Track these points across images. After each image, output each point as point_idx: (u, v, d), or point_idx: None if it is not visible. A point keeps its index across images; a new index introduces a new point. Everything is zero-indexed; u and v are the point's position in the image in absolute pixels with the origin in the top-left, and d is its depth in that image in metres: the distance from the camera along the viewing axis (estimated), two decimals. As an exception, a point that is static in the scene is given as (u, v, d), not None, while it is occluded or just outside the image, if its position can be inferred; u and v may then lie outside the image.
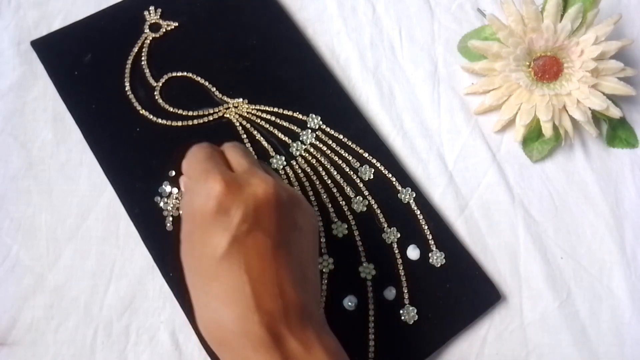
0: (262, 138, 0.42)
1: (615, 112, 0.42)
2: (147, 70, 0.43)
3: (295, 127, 0.43)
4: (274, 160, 0.41)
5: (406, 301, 0.38)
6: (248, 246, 0.28)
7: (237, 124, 0.42)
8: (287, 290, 0.28)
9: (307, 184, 0.41)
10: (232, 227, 0.28)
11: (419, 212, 0.41)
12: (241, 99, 0.43)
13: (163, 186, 0.39)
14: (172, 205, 0.39)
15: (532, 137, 0.44)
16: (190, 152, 0.33)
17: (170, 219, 0.39)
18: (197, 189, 0.30)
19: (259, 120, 0.43)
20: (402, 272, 0.39)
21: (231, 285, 0.28)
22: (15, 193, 0.39)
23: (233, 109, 0.43)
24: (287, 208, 0.30)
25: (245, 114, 0.43)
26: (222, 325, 0.28)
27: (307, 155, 0.42)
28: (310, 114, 0.43)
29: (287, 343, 0.27)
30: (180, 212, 0.34)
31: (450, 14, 0.49)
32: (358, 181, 0.41)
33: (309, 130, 0.43)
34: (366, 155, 0.42)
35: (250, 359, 0.27)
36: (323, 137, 0.43)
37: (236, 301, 0.27)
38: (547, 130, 0.42)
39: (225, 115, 0.43)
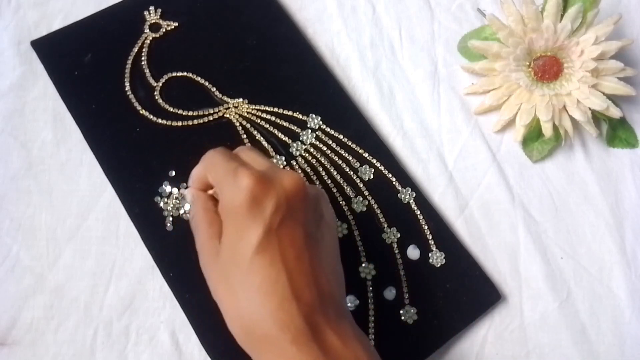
0: (262, 138, 0.42)
1: (615, 112, 0.42)
2: (147, 70, 0.43)
3: (295, 127, 0.43)
4: (274, 161, 0.41)
5: (406, 301, 0.38)
6: (282, 236, 0.28)
7: (237, 124, 0.42)
8: (321, 281, 0.28)
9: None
10: (265, 218, 0.28)
11: (419, 212, 0.41)
12: (241, 99, 0.43)
13: (163, 186, 0.39)
14: (172, 205, 0.39)
15: (532, 137, 0.44)
16: (206, 158, 0.33)
17: (170, 219, 0.39)
18: (225, 186, 0.30)
19: (259, 120, 0.43)
20: (402, 272, 0.39)
21: (268, 276, 0.27)
22: (15, 193, 0.39)
23: (233, 109, 0.43)
24: (315, 200, 0.31)
25: (245, 114, 0.43)
26: (260, 317, 0.27)
27: (307, 155, 0.42)
28: (310, 114, 0.43)
29: (325, 335, 0.27)
30: (187, 217, 0.33)
31: (450, 14, 0.49)
32: (358, 181, 0.41)
33: (309, 130, 0.43)
34: (366, 155, 0.42)
35: (288, 352, 0.27)
36: (323, 137, 0.43)
37: (274, 291, 0.27)
38: (547, 130, 0.42)
39: (225, 115, 0.43)
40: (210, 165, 0.32)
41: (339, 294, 0.30)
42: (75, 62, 0.43)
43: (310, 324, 0.27)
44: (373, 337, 0.37)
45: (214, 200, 0.32)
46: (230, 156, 0.32)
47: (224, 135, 0.42)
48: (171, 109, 0.42)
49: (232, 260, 0.29)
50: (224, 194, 0.30)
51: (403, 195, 0.41)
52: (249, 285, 0.28)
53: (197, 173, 0.33)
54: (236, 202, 0.28)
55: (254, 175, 0.29)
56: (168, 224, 0.39)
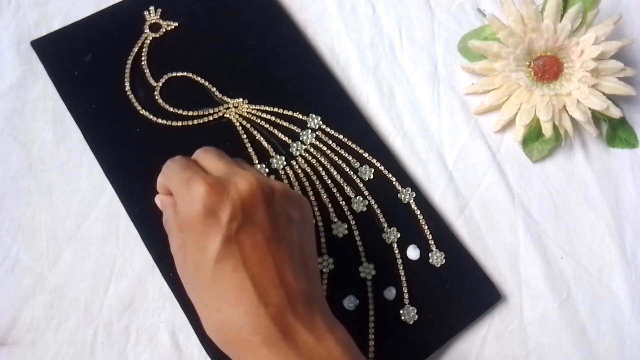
0: (262, 138, 0.42)
1: (615, 112, 0.42)
2: (147, 70, 0.43)
3: (295, 127, 0.43)
4: (274, 160, 0.41)
5: (406, 301, 0.38)
6: (242, 243, 0.28)
7: (237, 124, 0.42)
8: (288, 280, 0.28)
9: (307, 184, 0.41)
10: (222, 227, 0.28)
11: (419, 212, 0.41)
12: (241, 99, 0.43)
13: (163, 186, 0.39)
14: (172, 205, 0.39)
15: (532, 137, 0.44)
16: (165, 167, 0.32)
17: (170, 219, 0.39)
18: (180, 198, 0.30)
19: (259, 120, 0.43)
20: (402, 272, 0.39)
21: (232, 284, 0.28)
22: (15, 193, 0.39)
23: (233, 109, 0.43)
24: (275, 201, 0.30)
25: (245, 114, 0.43)
26: (231, 325, 0.28)
27: (307, 155, 0.42)
28: (310, 114, 0.43)
29: (297, 334, 0.27)
30: (165, 225, 0.34)
31: (450, 14, 0.49)
32: (358, 181, 0.41)
33: (309, 130, 0.43)
34: (366, 155, 0.42)
35: (260, 353, 0.27)
36: (323, 137, 0.43)
37: (240, 298, 0.27)
38: (547, 130, 0.42)
39: (225, 115, 0.43)
40: (168, 175, 0.31)
41: (310, 290, 0.30)
42: (75, 62, 0.43)
43: (279, 325, 0.27)
44: (373, 337, 0.37)
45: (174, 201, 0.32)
46: (187, 164, 0.31)
47: (224, 135, 0.42)
48: (171, 109, 0.42)
49: (196, 272, 0.29)
50: (179, 205, 0.30)
51: (403, 195, 0.41)
52: (215, 295, 0.28)
53: (159, 182, 0.33)
54: (191, 213, 0.28)
55: (206, 183, 0.28)
56: (168, 224, 0.39)
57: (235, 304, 0.28)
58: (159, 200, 0.34)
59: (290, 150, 0.42)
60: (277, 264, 0.28)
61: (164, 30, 0.45)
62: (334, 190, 0.41)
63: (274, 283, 0.28)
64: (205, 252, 0.28)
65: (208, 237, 0.28)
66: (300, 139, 0.42)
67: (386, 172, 0.42)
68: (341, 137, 0.43)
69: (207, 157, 0.32)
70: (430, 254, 0.39)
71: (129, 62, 0.43)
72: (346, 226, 0.40)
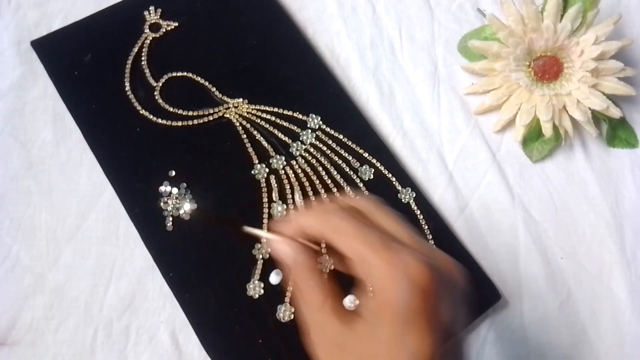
0: (262, 138, 0.42)
1: (615, 112, 0.42)
2: (147, 70, 0.43)
3: (295, 127, 0.43)
4: (274, 160, 0.41)
5: (406, 301, 0.38)
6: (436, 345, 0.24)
7: (237, 124, 0.42)
8: None
9: (307, 184, 0.41)
10: (437, 321, 0.24)
11: (419, 212, 0.41)
12: (241, 99, 0.43)
13: (163, 186, 0.39)
14: (172, 206, 0.39)
15: (532, 137, 0.44)
16: (332, 217, 0.26)
17: (170, 219, 0.39)
18: (383, 277, 0.24)
19: (259, 120, 0.43)
20: (402, 272, 0.39)
21: None
22: (15, 193, 0.39)
23: (233, 109, 0.43)
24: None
25: (245, 114, 0.43)
26: None
27: (307, 155, 0.42)
28: (310, 114, 0.43)
29: None
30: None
31: (450, 14, 0.49)
32: (358, 181, 0.41)
33: (309, 130, 0.43)
34: (366, 155, 0.42)
35: None
36: (323, 137, 0.43)
37: None
38: (547, 130, 0.42)
39: (225, 115, 0.43)
40: (339, 226, 0.26)
41: None
42: (75, 62, 0.43)
43: None
44: (373, 337, 0.37)
45: (315, 255, 0.27)
46: (377, 231, 0.26)
47: (224, 135, 0.42)
48: (171, 109, 0.42)
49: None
50: (377, 277, 0.24)
51: (403, 195, 0.41)
52: None
53: (307, 225, 0.26)
54: (401, 292, 0.23)
55: (425, 266, 0.24)
56: (168, 224, 0.38)
57: None
58: (284, 248, 0.27)
59: (290, 150, 0.42)
60: None
61: (164, 30, 0.45)
62: (334, 190, 0.41)
63: None
64: (411, 347, 0.23)
65: (414, 331, 0.24)
66: (300, 139, 0.42)
67: (386, 172, 0.42)
68: (341, 137, 0.43)
69: (385, 217, 0.27)
70: (430, 254, 0.39)
71: (129, 62, 0.43)
72: (346, 226, 0.40)
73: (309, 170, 0.41)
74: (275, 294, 0.37)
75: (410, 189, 0.41)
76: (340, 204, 0.27)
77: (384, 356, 0.24)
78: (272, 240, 0.27)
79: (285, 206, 0.40)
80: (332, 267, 0.35)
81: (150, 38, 0.45)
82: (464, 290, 0.27)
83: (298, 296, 0.26)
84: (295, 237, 0.27)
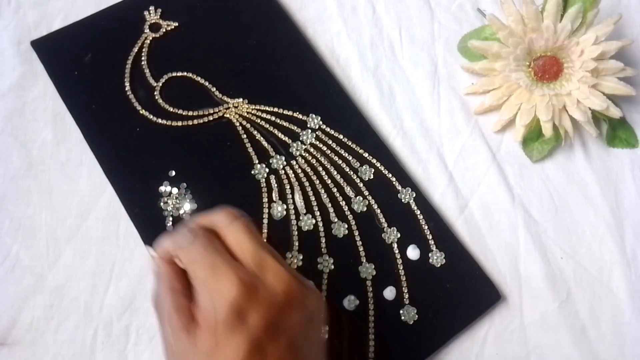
0: (262, 138, 0.42)
1: (615, 112, 0.42)
2: (147, 70, 0.43)
3: (295, 127, 0.43)
4: (274, 161, 0.41)
5: (406, 301, 0.38)
6: (266, 354, 0.26)
7: (237, 124, 0.42)
8: None
9: (307, 184, 0.41)
10: (250, 334, 0.25)
11: (419, 212, 0.41)
12: (241, 99, 0.43)
13: (163, 186, 0.39)
14: (172, 205, 0.39)
15: (532, 137, 0.44)
16: (181, 237, 0.28)
17: (170, 219, 0.39)
18: (203, 290, 0.26)
19: (259, 120, 0.43)
20: (402, 272, 0.39)
21: None
22: (15, 193, 0.39)
23: (233, 109, 0.43)
24: (302, 302, 0.28)
25: (245, 114, 0.43)
26: None
27: (307, 155, 0.42)
28: (310, 114, 0.43)
29: None
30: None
31: (450, 14, 0.49)
32: (358, 181, 0.41)
33: (309, 130, 0.43)
34: (366, 155, 0.42)
35: None
36: (323, 137, 0.43)
37: None
38: (547, 130, 0.42)
39: (225, 115, 0.43)
40: (185, 250, 0.28)
41: None
42: (75, 62, 0.43)
43: None
44: (373, 337, 0.37)
45: (181, 274, 0.28)
46: (211, 242, 0.28)
47: (224, 135, 0.42)
48: (171, 109, 0.42)
49: None
50: (202, 296, 0.26)
51: (403, 195, 0.41)
52: None
53: (165, 246, 0.29)
54: (217, 311, 0.25)
55: (239, 281, 0.26)
56: (168, 224, 0.39)
57: None
58: (156, 265, 0.29)
59: (290, 150, 0.42)
60: None
61: (164, 30, 0.45)
62: (334, 190, 0.41)
63: None
64: (225, 356, 0.25)
65: (231, 342, 0.25)
66: (300, 139, 0.42)
67: (386, 172, 0.42)
68: (341, 137, 0.43)
69: (234, 231, 0.28)
70: (430, 254, 0.39)
71: (129, 62, 0.43)
72: (346, 226, 0.40)
73: (309, 170, 0.41)
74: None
75: (410, 189, 0.41)
76: (196, 224, 0.29)
77: None
78: (153, 259, 0.30)
79: (285, 206, 0.40)
80: (332, 267, 0.36)
81: (150, 38, 0.45)
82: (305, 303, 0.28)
83: (156, 309, 0.29)
84: (160, 256, 0.29)
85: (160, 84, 0.43)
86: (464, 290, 0.38)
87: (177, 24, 0.45)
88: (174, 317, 0.27)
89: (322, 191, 0.41)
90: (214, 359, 0.25)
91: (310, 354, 0.28)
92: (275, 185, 0.41)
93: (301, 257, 0.38)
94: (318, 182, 0.41)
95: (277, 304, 0.26)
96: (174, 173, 0.40)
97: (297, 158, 0.42)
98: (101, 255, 0.38)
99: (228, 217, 0.29)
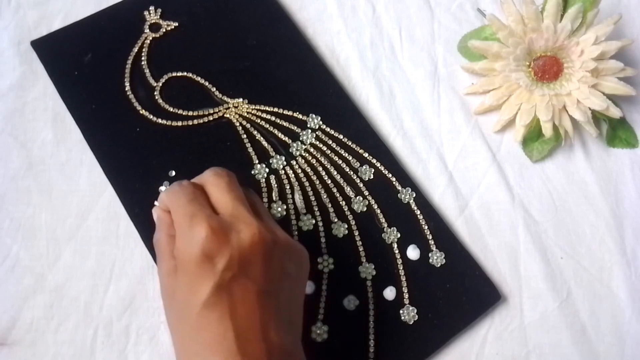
0: (262, 138, 0.42)
1: (615, 112, 0.42)
2: (147, 70, 0.43)
3: (295, 127, 0.43)
4: (274, 161, 0.41)
5: (406, 301, 0.38)
6: (232, 293, 0.28)
7: (237, 124, 0.42)
8: (270, 336, 0.28)
9: (307, 184, 0.41)
10: (216, 274, 0.28)
11: (419, 212, 0.41)
12: (241, 99, 0.43)
13: (163, 186, 0.39)
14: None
15: (532, 137, 0.44)
16: (171, 190, 0.31)
17: (170, 219, 0.39)
18: (180, 233, 0.29)
19: (259, 120, 0.43)
20: (402, 272, 0.39)
21: (215, 332, 0.28)
22: (15, 193, 0.39)
23: (233, 109, 0.43)
24: (275, 254, 0.30)
25: (245, 114, 0.43)
26: None
27: (307, 155, 0.42)
28: (310, 114, 0.43)
29: None
30: (156, 244, 0.33)
31: (450, 14, 0.49)
32: (358, 181, 0.41)
33: (309, 130, 0.43)
34: (366, 155, 0.42)
35: None
36: (323, 137, 0.43)
37: (220, 347, 0.27)
38: (547, 130, 0.42)
39: (225, 115, 0.43)
40: (172, 201, 0.31)
41: (291, 347, 0.30)
42: (75, 62, 0.43)
43: None
44: (373, 337, 0.37)
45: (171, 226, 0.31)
46: (193, 195, 0.31)
47: (224, 135, 0.42)
48: (171, 109, 0.42)
49: (182, 311, 0.29)
50: (178, 239, 0.29)
51: (403, 195, 0.41)
52: (196, 339, 0.28)
53: (162, 198, 0.32)
54: (188, 252, 0.28)
55: (209, 227, 0.28)
56: (168, 224, 0.39)
57: (215, 352, 0.27)
58: (156, 213, 0.33)
59: (290, 150, 0.42)
60: (262, 319, 0.28)
61: (164, 30, 0.45)
62: (334, 190, 0.41)
63: (256, 337, 0.28)
64: (194, 294, 0.28)
65: (200, 281, 0.28)
66: (300, 139, 0.42)
67: (386, 172, 0.42)
68: (341, 137, 0.43)
69: (217, 187, 0.31)
70: (430, 254, 0.39)
71: (129, 62, 0.43)
72: (346, 226, 0.40)
73: (309, 170, 0.41)
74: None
75: (410, 189, 0.41)
76: (187, 180, 0.33)
77: (184, 300, 0.29)
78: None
79: (285, 206, 0.40)
80: (332, 267, 0.37)
81: (150, 38, 0.45)
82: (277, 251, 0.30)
83: (157, 253, 0.32)
84: (161, 207, 0.33)
85: (160, 84, 0.43)
86: (464, 290, 0.38)
87: (177, 24, 0.45)
88: (166, 260, 0.30)
89: (322, 191, 0.41)
90: (189, 295, 0.28)
91: (284, 307, 0.30)
92: (275, 185, 0.41)
93: (301, 257, 0.38)
94: (318, 182, 0.41)
95: (245, 251, 0.28)
96: (174, 173, 0.40)
97: (297, 158, 0.42)
98: (101, 255, 0.38)
99: (213, 175, 0.32)
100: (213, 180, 0.32)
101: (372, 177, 0.42)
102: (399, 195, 0.41)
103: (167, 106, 0.42)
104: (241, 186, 0.33)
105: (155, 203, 0.36)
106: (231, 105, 0.43)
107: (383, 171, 0.42)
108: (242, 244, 0.29)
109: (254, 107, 0.43)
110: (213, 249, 0.28)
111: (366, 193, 0.41)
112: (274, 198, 0.40)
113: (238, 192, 0.32)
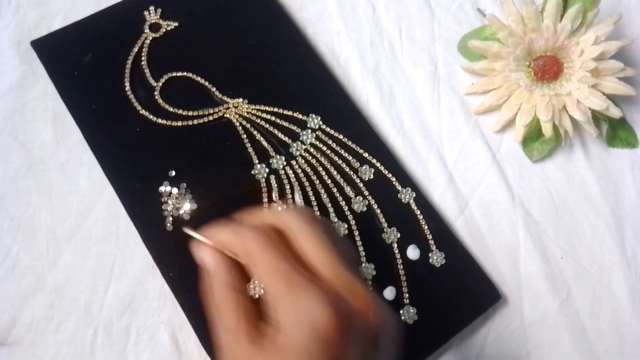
0: (262, 138, 0.42)
1: (615, 112, 0.42)
2: (147, 70, 0.43)
3: (295, 127, 0.43)
4: (274, 160, 0.41)
5: (406, 301, 0.38)
6: None
7: (237, 124, 0.42)
8: None
9: (307, 184, 0.41)
10: None
11: (419, 212, 0.41)
12: (241, 99, 0.43)
13: (163, 186, 0.39)
14: (172, 206, 0.39)
15: (532, 137, 0.44)
16: (248, 236, 0.25)
17: (170, 219, 0.39)
18: (283, 311, 0.23)
19: (259, 120, 0.43)
20: (402, 272, 0.39)
21: None
22: (15, 193, 0.39)
23: (233, 109, 0.43)
24: (389, 336, 0.26)
25: (245, 114, 0.43)
26: None
27: (307, 155, 0.42)
28: (310, 114, 0.43)
29: None
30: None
31: (450, 14, 0.49)
32: (358, 181, 0.41)
33: (309, 130, 0.43)
34: (366, 155, 0.42)
35: None
36: (323, 137, 0.43)
37: None
38: (547, 130, 0.42)
39: (225, 115, 0.43)
40: (254, 256, 0.25)
41: None
42: (75, 62, 0.43)
43: None
44: (373, 337, 0.37)
45: (236, 267, 0.26)
46: (285, 255, 0.24)
47: (224, 135, 0.42)
48: (171, 109, 0.42)
49: None
50: (280, 314, 0.23)
51: (403, 195, 0.41)
52: None
53: (225, 240, 0.26)
54: (300, 335, 0.23)
55: (332, 309, 0.22)
56: (168, 224, 0.39)
57: None
58: (208, 256, 0.26)
59: (290, 150, 0.42)
60: None
61: (164, 30, 0.45)
62: (334, 190, 0.41)
63: None
64: None
65: None
66: (300, 139, 0.42)
67: (386, 172, 0.42)
68: (341, 137, 0.43)
69: (312, 240, 0.25)
70: (430, 254, 0.39)
71: (129, 62, 0.43)
72: (346, 226, 0.40)
73: (309, 170, 0.41)
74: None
75: (410, 189, 0.41)
76: (261, 220, 0.26)
77: None
78: (199, 245, 0.26)
79: (285, 206, 0.40)
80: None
81: (150, 38, 0.45)
82: (382, 333, 0.25)
83: (214, 314, 0.26)
84: (216, 246, 0.26)
85: (160, 84, 0.43)
86: (464, 290, 0.38)
87: (177, 24, 0.45)
88: (235, 320, 0.24)
89: (322, 191, 0.41)
90: None
91: None
92: (275, 185, 0.41)
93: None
94: (318, 182, 0.41)
95: (368, 340, 0.24)
96: (174, 173, 0.40)
97: (297, 158, 0.42)
98: (101, 255, 0.38)
99: (301, 218, 0.26)
100: (301, 226, 0.25)
101: (372, 177, 0.42)
102: (399, 195, 0.41)
103: (167, 106, 0.42)
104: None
105: (199, 237, 0.27)
106: (231, 105, 0.43)
107: (383, 171, 0.42)
108: (368, 336, 0.24)
109: (254, 107, 0.43)
110: (336, 340, 0.23)
111: (366, 193, 0.41)
112: (274, 198, 0.40)
113: (335, 248, 0.25)
